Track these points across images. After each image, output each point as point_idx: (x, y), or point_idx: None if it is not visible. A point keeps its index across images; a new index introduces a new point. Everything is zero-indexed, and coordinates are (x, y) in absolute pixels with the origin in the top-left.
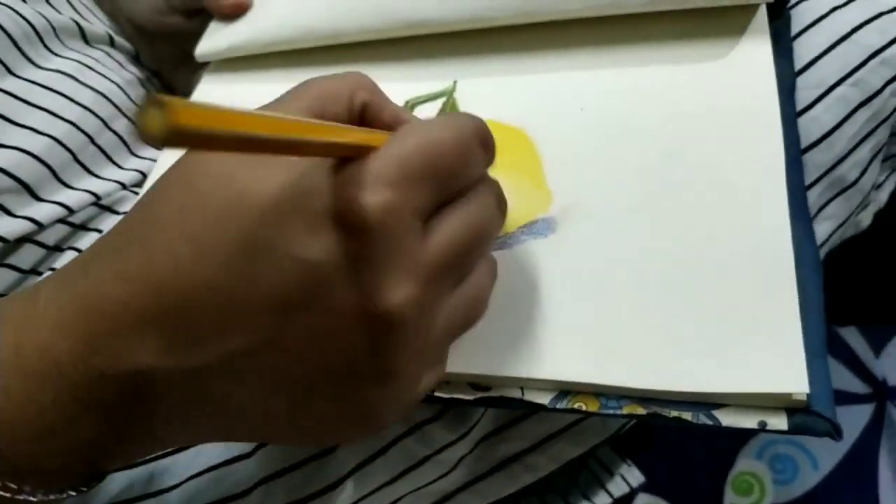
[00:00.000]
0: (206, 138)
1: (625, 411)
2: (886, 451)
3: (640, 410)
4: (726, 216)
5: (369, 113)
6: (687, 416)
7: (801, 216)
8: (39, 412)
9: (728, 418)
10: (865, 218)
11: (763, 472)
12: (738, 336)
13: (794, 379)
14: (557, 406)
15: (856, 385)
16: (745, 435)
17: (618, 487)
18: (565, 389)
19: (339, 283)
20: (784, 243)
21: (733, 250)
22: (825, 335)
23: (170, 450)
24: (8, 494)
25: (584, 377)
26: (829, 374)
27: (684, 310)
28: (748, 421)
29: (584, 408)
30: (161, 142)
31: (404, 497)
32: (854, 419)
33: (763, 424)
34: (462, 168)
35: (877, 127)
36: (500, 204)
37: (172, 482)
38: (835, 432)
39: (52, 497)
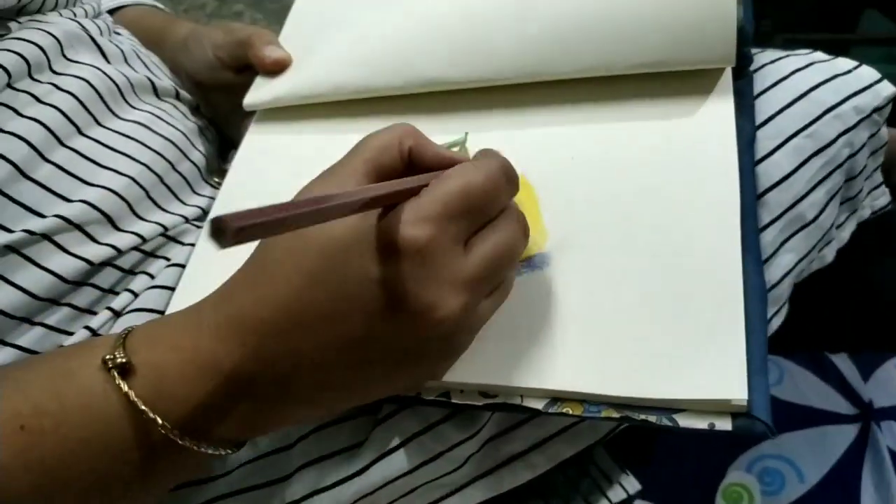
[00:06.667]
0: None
1: (603, 414)
2: (869, 466)
3: (615, 414)
4: (688, 251)
5: (415, 155)
6: (652, 418)
7: (753, 253)
8: (203, 398)
9: (685, 421)
10: (829, 253)
11: (752, 483)
12: (693, 354)
13: (736, 388)
14: (550, 410)
15: (844, 407)
16: (736, 449)
17: (616, 494)
18: (556, 397)
19: (406, 296)
20: (735, 276)
21: (692, 281)
22: (765, 355)
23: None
24: (194, 447)
25: (570, 387)
26: (767, 386)
27: (650, 332)
28: (700, 423)
29: (570, 412)
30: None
31: (420, 487)
32: (840, 437)
33: (712, 425)
34: (491, 202)
35: (831, 172)
36: (523, 227)
37: (223, 470)
38: (770, 432)
39: (212, 451)
